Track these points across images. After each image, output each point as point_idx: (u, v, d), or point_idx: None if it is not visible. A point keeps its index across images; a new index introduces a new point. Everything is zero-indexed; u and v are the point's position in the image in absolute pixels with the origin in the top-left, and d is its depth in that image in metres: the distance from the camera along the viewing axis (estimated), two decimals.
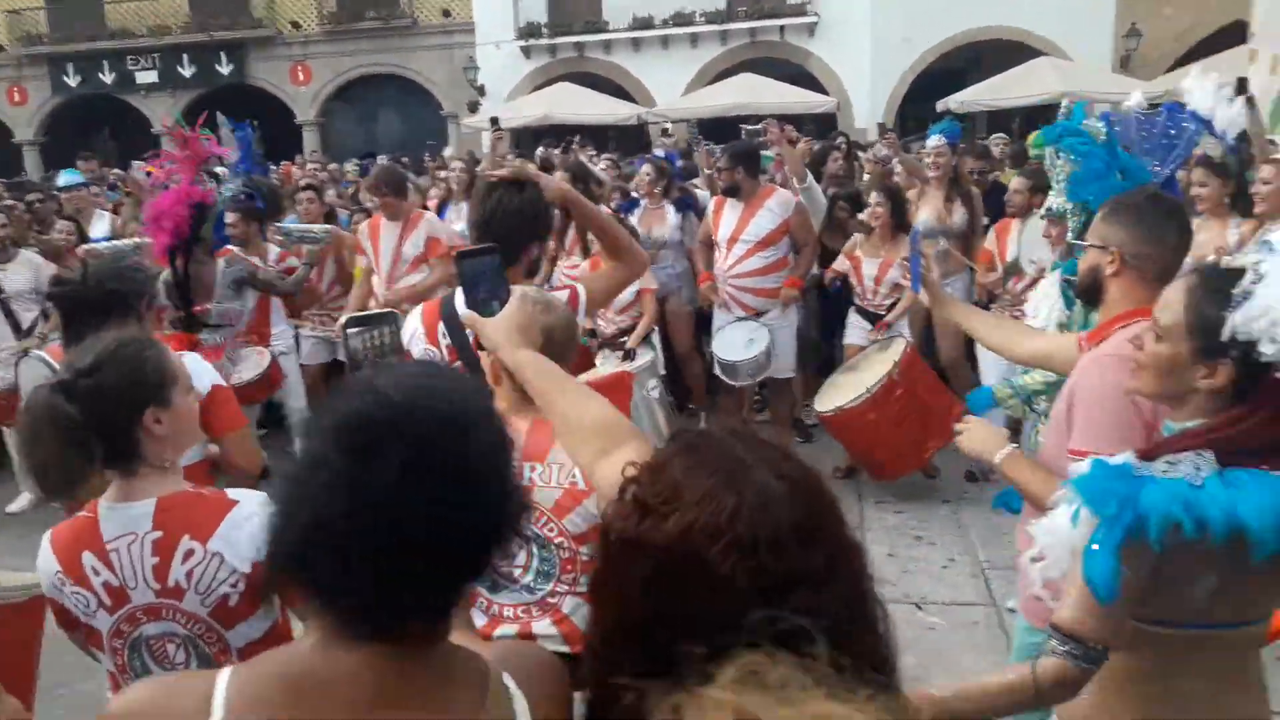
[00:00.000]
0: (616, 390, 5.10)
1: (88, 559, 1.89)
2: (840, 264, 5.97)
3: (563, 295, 2.55)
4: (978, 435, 2.36)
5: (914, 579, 4.66)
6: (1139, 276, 2.22)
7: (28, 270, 5.88)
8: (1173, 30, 19.94)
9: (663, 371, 5.74)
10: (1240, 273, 1.57)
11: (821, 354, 6.71)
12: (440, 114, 23.11)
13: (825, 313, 6.57)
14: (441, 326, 2.67)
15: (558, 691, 1.14)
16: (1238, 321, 1.53)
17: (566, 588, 2.18)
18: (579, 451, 1.50)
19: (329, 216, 7.26)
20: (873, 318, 5.84)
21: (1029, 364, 3.02)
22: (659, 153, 8.75)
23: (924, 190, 6.38)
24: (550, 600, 2.17)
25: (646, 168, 6.96)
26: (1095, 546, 1.52)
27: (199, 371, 2.56)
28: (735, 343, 5.66)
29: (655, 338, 5.90)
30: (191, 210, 4.24)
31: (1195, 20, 19.56)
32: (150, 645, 1.94)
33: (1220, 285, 1.58)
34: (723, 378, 5.84)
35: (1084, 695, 1.72)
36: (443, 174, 8.42)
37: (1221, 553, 1.49)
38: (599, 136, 17.20)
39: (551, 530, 2.14)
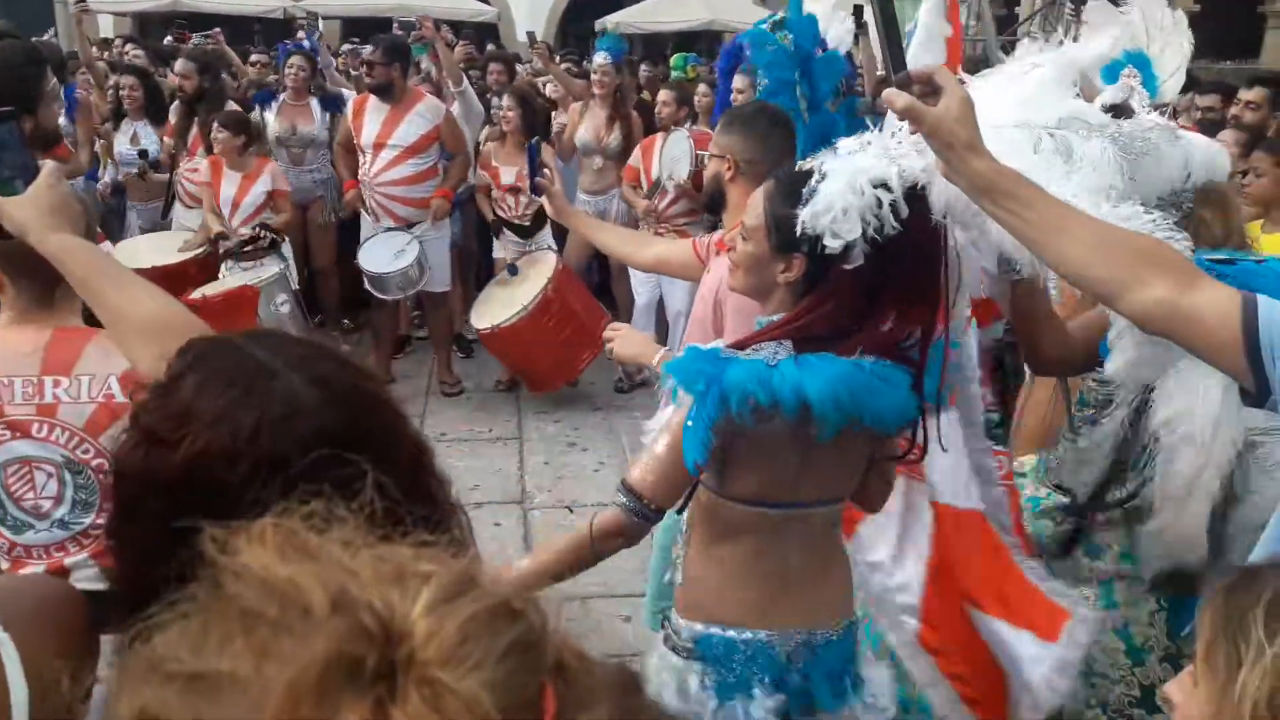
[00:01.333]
0: (239, 304, 4.73)
1: None
2: (480, 177, 5.85)
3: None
4: (632, 341, 2.42)
5: (567, 484, 4.79)
6: (752, 181, 2.37)
7: None
8: None
9: (295, 286, 5.41)
10: (809, 174, 1.70)
11: (482, 268, 6.62)
12: None
13: (485, 225, 6.46)
14: None
15: (62, 628, 0.98)
16: (806, 218, 1.65)
17: None
18: (136, 353, 1.31)
19: None
20: (518, 229, 5.77)
21: (651, 269, 3.14)
22: (304, 42, 8.07)
23: (588, 106, 6.36)
24: (93, 532, 1.95)
25: (298, 59, 6.42)
26: (690, 423, 1.64)
27: None
28: (384, 254, 5.41)
29: (287, 249, 5.50)
30: None
31: None
32: None
33: (792, 186, 1.71)
34: (372, 291, 5.58)
35: (699, 582, 1.89)
36: None
37: (798, 432, 1.64)
38: (242, 28, 15.68)
39: (86, 452, 1.92)
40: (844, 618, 1.94)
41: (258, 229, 5.26)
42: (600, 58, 6.31)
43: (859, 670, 1.96)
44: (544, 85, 7.57)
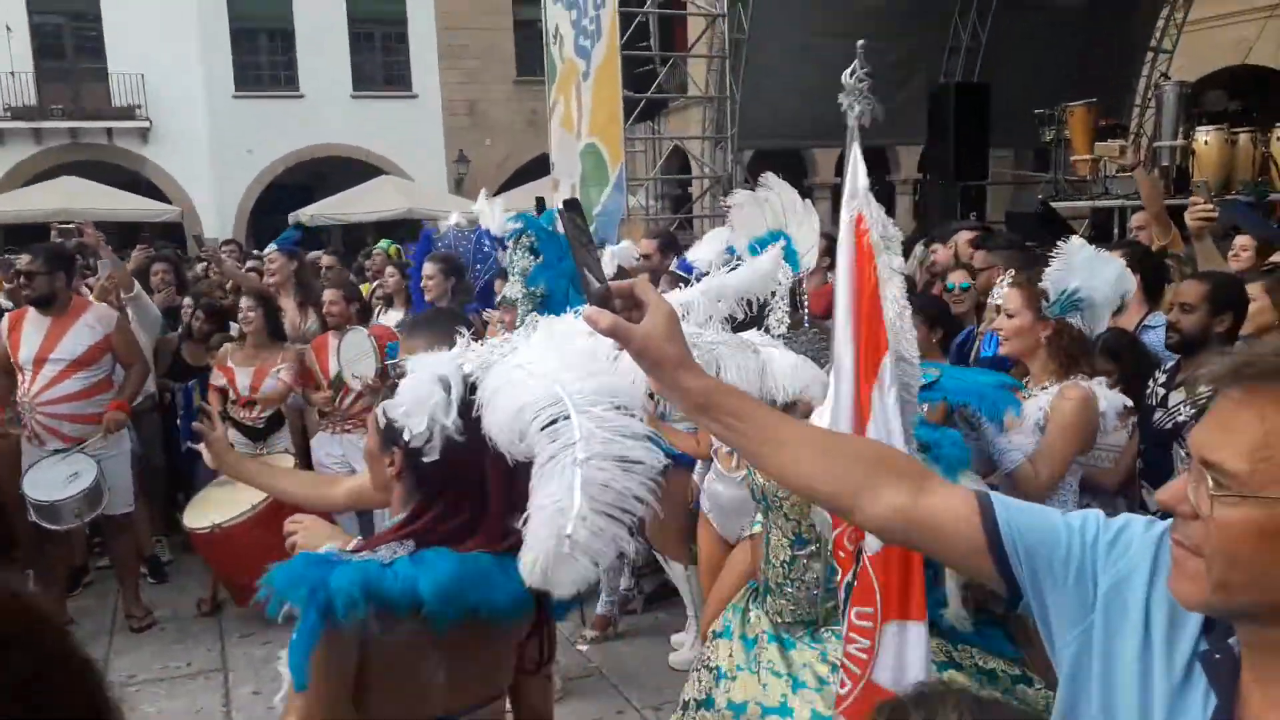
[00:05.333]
0: None
1: None
2: (216, 378, 5.45)
3: None
4: (317, 533, 2.21)
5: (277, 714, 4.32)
6: None
7: None
8: (494, 159, 22.62)
9: None
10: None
11: (171, 481, 6.06)
12: None
13: (172, 433, 5.96)
14: None
15: None
16: (387, 409, 1.68)
17: None
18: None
19: None
20: (250, 431, 5.32)
21: (349, 507, 2.93)
22: None
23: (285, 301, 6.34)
24: None
25: None
26: (295, 637, 1.54)
27: None
28: (53, 480, 4.82)
29: None
30: None
31: (510, 151, 22.45)
32: None
33: (393, 384, 1.73)
34: (40, 523, 4.91)
35: None
36: None
37: (435, 639, 1.57)
38: None
39: None
40: None
41: None
42: (268, 250, 6.29)
43: None
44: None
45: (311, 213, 17.64)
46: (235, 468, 2.65)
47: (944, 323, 3.62)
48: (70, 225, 5.89)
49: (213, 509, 4.92)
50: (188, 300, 5.91)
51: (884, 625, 2.12)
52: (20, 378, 4.96)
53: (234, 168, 20.65)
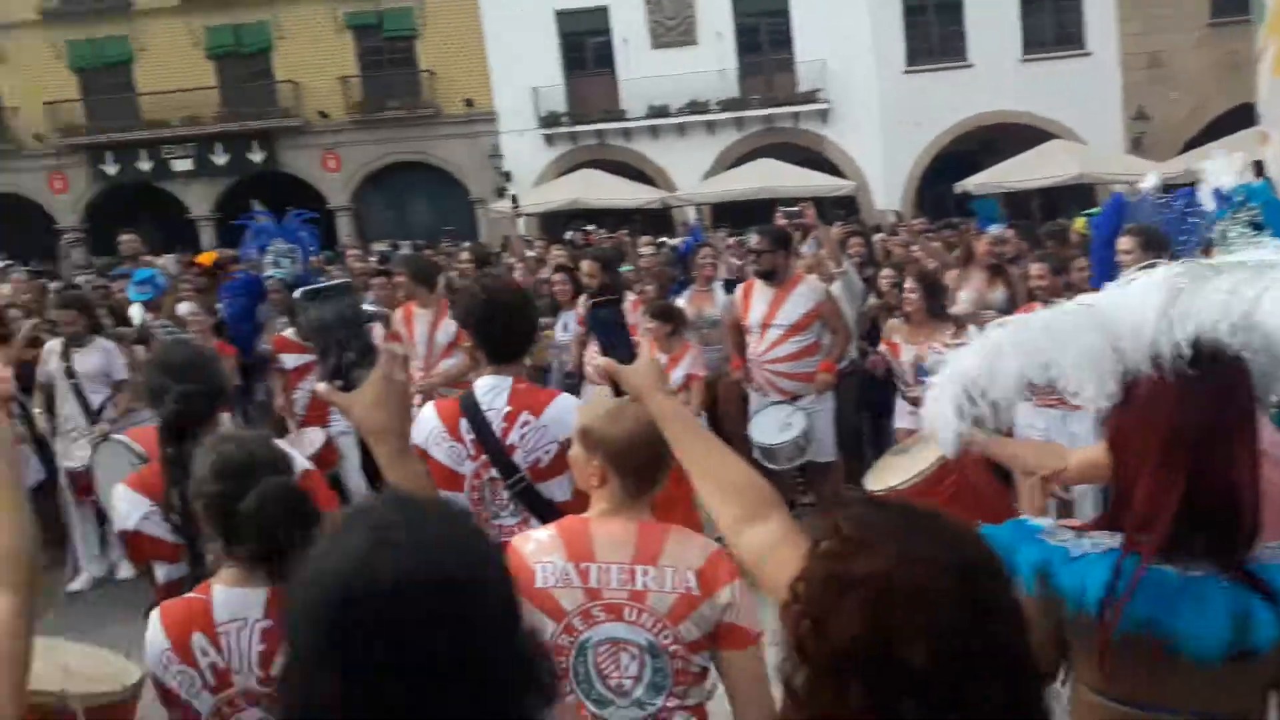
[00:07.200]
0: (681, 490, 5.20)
1: (198, 640, 1.98)
2: (881, 350, 6.06)
3: None
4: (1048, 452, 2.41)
5: None
6: None
7: (99, 355, 6.12)
8: (1180, 113, 20.34)
9: None
10: None
11: (865, 437, 6.71)
12: (468, 199, 23.57)
13: (869, 395, 6.59)
14: (464, 422, 2.80)
15: None
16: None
17: (678, 701, 2.03)
18: (720, 512, 1.55)
19: None
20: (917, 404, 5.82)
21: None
22: (696, 235, 8.96)
23: (965, 272, 6.68)
24: (661, 717, 2.03)
25: (707, 250, 7.23)
26: None
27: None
28: (771, 426, 5.73)
29: (703, 424, 5.97)
30: None
31: (1200, 103, 19.97)
32: None
33: None
34: (762, 462, 5.87)
35: None
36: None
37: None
38: (625, 219, 17.59)
39: (666, 637, 2.00)
40: None
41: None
42: (997, 228, 6.53)
43: None
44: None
45: (978, 182, 17.73)
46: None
47: None
48: (795, 208, 6.84)
49: (891, 473, 5.40)
50: (887, 271, 6.49)
51: None
52: (749, 338, 5.99)
53: (903, 141, 21.54)
